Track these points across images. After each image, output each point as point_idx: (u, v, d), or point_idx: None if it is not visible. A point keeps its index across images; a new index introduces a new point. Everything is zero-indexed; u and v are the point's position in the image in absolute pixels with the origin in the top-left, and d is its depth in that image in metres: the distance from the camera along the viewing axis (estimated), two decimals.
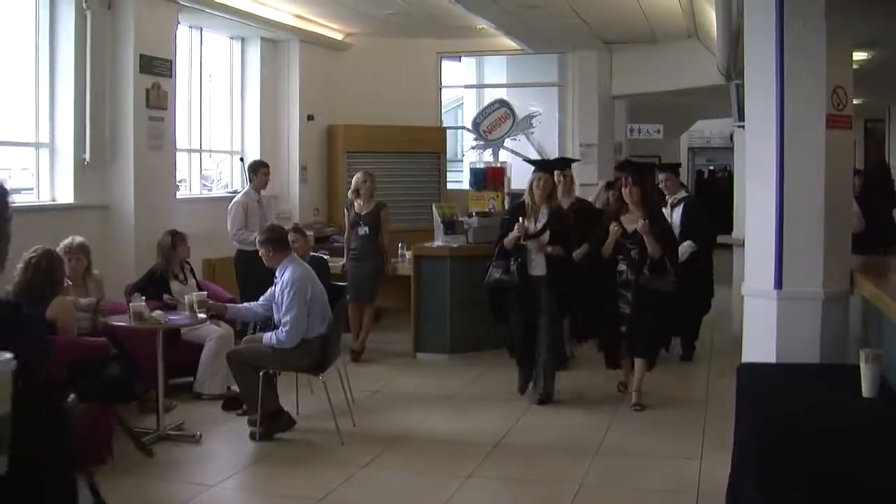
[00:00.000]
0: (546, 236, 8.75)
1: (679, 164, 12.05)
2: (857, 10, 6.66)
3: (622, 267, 8.58)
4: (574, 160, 11.30)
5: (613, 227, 8.39)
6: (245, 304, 8.44)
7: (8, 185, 2.14)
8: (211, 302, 8.19)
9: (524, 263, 8.72)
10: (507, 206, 12.71)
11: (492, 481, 6.97)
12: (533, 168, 9.19)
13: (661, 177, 10.80)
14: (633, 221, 8.41)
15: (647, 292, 8.43)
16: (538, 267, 8.77)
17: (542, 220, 8.79)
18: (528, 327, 8.79)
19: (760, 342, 6.48)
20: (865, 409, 5.17)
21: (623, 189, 8.65)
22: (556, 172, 9.44)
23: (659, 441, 7.72)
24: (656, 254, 8.34)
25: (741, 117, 10.49)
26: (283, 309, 7.73)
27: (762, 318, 6.48)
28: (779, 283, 6.39)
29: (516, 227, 8.66)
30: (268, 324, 8.26)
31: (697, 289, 10.29)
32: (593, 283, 8.88)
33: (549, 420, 8.34)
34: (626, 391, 8.96)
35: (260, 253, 8.00)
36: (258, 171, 11.25)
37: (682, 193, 10.79)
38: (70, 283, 7.86)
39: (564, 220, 9.05)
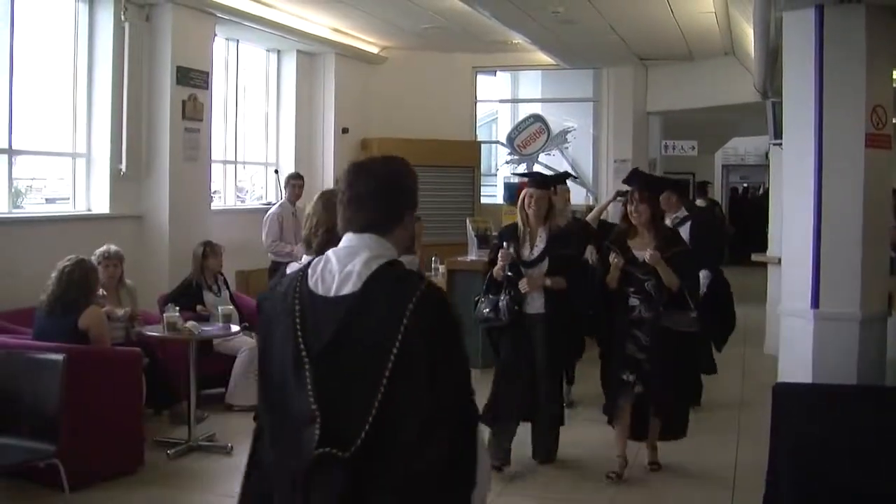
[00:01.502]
0: (544, 266, 7.21)
1: (687, 183, 10.44)
2: None
3: (634, 301, 6.94)
4: (572, 175, 10.15)
5: (613, 259, 6.84)
6: None
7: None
8: None
9: (515, 299, 7.16)
10: None
11: (521, 499, 6.91)
12: (527, 182, 7.72)
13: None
14: (644, 246, 6.89)
15: (667, 333, 6.85)
16: (534, 303, 7.21)
17: (540, 245, 7.29)
18: (511, 377, 7.23)
19: (796, 362, 6.43)
20: None
21: (629, 206, 7.09)
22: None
23: (691, 460, 7.64)
24: (673, 285, 6.80)
25: (777, 135, 10.44)
26: None
27: (798, 338, 6.44)
28: (816, 303, 6.35)
29: (501, 254, 7.14)
30: None
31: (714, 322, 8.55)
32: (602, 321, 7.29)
33: (579, 438, 8.27)
34: (618, 478, 7.05)
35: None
36: (289, 183, 11.32)
37: (683, 212, 9.01)
38: (104, 291, 7.90)
39: (568, 245, 7.48)
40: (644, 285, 6.89)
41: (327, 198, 4.35)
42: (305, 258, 4.32)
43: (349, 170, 3.12)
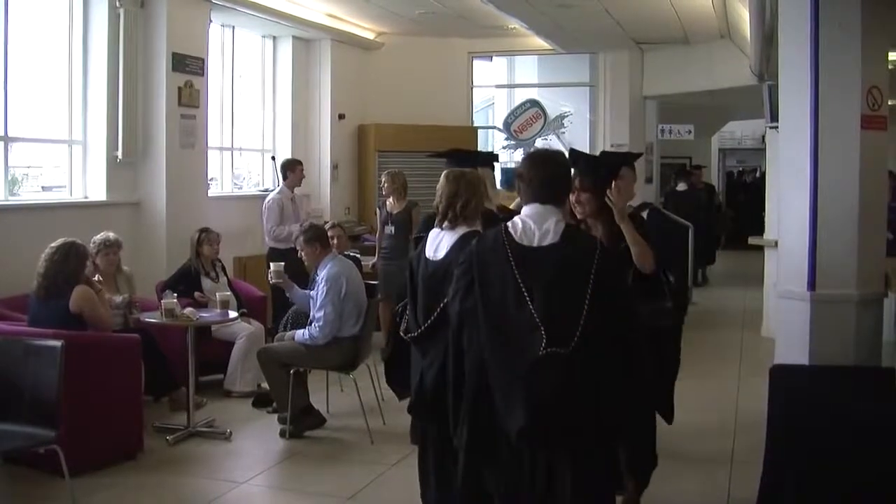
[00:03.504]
0: None
1: (639, 155, 7.50)
2: (893, 10, 6.60)
3: None
4: (495, 156, 8.46)
5: None
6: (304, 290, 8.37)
7: None
8: (286, 276, 8.19)
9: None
10: None
11: None
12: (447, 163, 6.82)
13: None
14: None
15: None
16: None
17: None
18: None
19: (793, 343, 6.44)
20: None
21: (571, 196, 5.41)
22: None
23: (688, 443, 7.65)
24: (647, 264, 5.52)
25: (774, 118, 10.44)
26: (318, 305, 7.76)
27: (795, 320, 6.44)
28: (812, 285, 6.35)
29: None
30: (298, 321, 8.29)
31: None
32: None
33: None
34: None
35: (303, 253, 8.00)
36: (295, 169, 11.35)
37: (637, 201, 7.49)
38: (101, 278, 7.90)
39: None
40: None
41: (468, 178, 5.34)
42: (437, 230, 5.29)
43: (531, 158, 4.52)
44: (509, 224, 4.29)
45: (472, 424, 4.28)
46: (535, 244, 4.18)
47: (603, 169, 5.82)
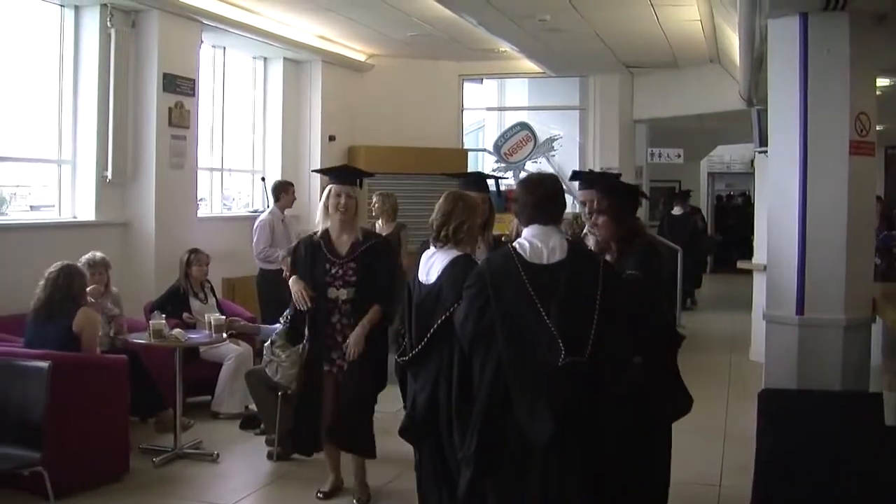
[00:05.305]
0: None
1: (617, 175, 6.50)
2: (880, 37, 6.65)
3: None
4: (367, 174, 7.80)
5: None
6: (274, 325, 8.39)
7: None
8: (242, 322, 8.17)
9: None
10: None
11: None
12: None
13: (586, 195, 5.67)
14: None
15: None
16: None
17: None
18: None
19: (781, 368, 6.45)
20: (888, 437, 5.13)
21: (584, 218, 5.76)
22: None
23: (677, 467, 7.62)
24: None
25: (762, 143, 10.46)
26: None
27: (783, 344, 6.45)
28: (800, 309, 6.37)
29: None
30: None
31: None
32: None
33: None
34: None
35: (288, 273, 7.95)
36: (288, 191, 11.33)
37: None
38: (92, 299, 7.86)
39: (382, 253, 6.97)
40: None
41: (466, 201, 5.45)
42: (434, 249, 5.35)
43: (526, 182, 4.79)
44: (516, 245, 4.54)
45: (482, 433, 4.45)
46: (544, 262, 4.45)
47: (620, 190, 5.55)
